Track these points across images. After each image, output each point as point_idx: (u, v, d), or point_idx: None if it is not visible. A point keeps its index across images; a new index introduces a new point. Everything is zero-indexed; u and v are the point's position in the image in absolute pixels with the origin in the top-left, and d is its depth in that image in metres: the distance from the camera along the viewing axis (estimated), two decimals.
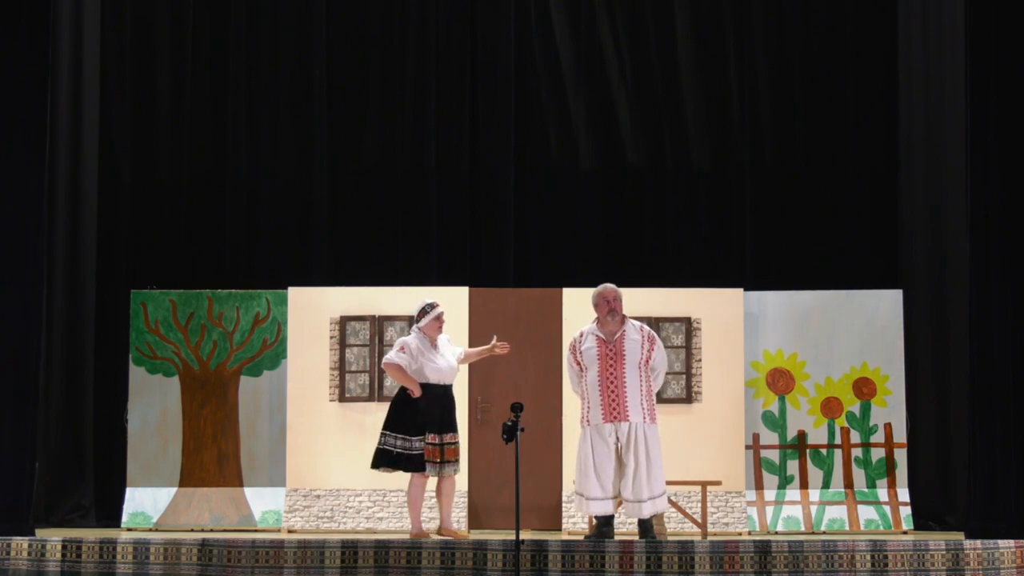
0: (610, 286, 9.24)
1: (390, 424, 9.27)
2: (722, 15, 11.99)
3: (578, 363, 9.20)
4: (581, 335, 9.25)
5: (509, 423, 8.52)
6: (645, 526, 9.02)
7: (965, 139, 11.51)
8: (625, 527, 10.12)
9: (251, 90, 11.98)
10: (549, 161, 11.95)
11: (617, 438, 8.99)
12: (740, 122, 11.93)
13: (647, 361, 9.10)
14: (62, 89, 11.58)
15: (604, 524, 9.09)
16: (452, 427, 9.30)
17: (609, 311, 9.12)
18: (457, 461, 9.30)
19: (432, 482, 9.40)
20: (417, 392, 9.24)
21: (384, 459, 9.25)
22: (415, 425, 9.21)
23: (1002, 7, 11.66)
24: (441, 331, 9.41)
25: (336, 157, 11.94)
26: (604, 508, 9.04)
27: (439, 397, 9.28)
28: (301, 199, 11.91)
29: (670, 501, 9.44)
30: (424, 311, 9.39)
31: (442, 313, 9.40)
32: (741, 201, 11.90)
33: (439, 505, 9.41)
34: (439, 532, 9.32)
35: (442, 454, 9.22)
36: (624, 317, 9.19)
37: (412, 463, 9.21)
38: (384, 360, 9.38)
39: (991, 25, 11.68)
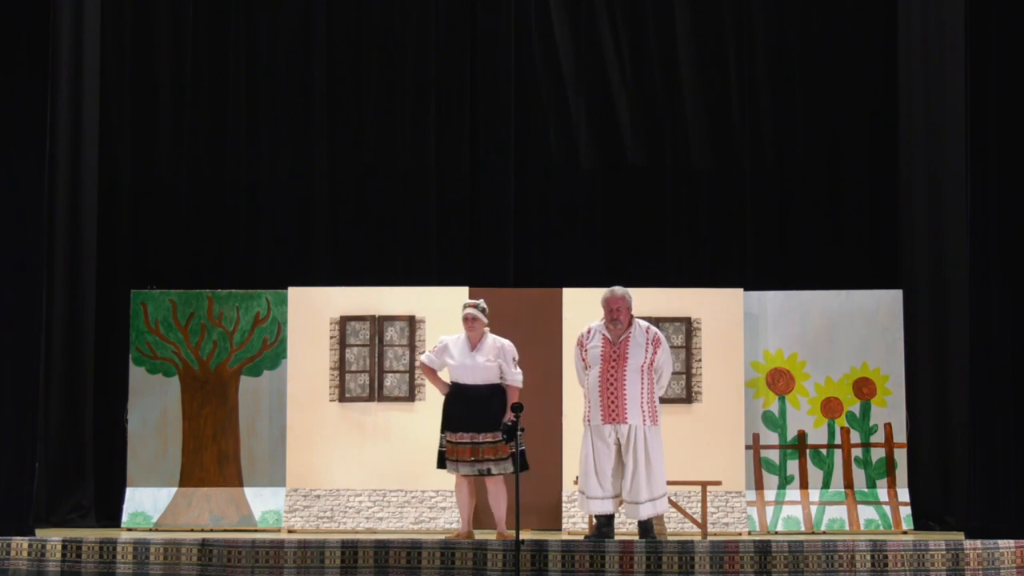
0: (618, 292, 9.11)
1: None
2: (722, 15, 11.97)
3: (584, 359, 9.19)
4: (589, 331, 9.20)
5: (509, 423, 8.52)
6: (645, 526, 9.02)
7: (965, 139, 11.50)
8: (625, 527, 10.12)
9: (251, 90, 11.97)
10: (549, 161, 11.94)
11: (617, 438, 8.99)
12: (740, 122, 11.92)
13: (651, 364, 9.08)
14: (62, 89, 11.58)
15: (604, 524, 9.08)
16: (483, 427, 9.20)
17: (611, 320, 9.09)
18: (497, 461, 9.22)
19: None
20: (442, 391, 9.38)
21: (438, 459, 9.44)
22: (442, 423, 9.33)
23: (1002, 7, 11.65)
24: (473, 331, 9.33)
25: (336, 157, 11.94)
26: (604, 507, 9.03)
27: (460, 396, 9.28)
28: (301, 199, 11.90)
29: (670, 501, 9.44)
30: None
31: (468, 315, 9.33)
32: (741, 201, 11.89)
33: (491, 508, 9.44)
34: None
35: (476, 453, 9.22)
36: (632, 319, 9.15)
37: (439, 461, 9.36)
38: None
39: (991, 25, 11.66)
